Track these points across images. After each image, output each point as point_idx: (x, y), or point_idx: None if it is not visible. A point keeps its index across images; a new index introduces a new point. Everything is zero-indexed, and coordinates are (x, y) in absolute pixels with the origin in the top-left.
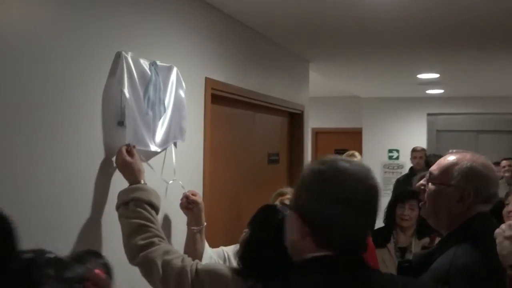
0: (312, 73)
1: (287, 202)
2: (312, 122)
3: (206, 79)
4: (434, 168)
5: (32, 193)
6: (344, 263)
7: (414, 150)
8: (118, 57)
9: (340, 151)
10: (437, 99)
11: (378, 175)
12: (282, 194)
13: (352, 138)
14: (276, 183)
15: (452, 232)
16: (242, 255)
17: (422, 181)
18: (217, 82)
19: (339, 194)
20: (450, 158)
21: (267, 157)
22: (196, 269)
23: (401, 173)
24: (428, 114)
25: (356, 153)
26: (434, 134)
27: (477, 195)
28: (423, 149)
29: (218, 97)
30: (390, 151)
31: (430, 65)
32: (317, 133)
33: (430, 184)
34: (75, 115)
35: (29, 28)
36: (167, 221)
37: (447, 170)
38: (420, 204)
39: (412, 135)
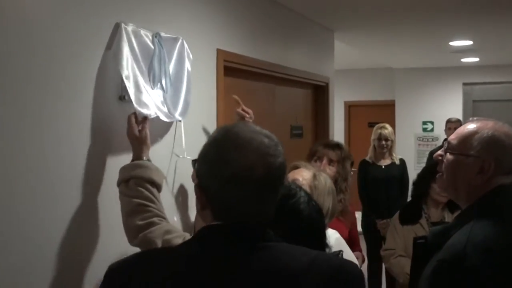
0: (340, 44)
1: (299, 178)
2: (345, 96)
3: (218, 50)
4: (453, 137)
5: (22, 168)
6: (231, 234)
7: (448, 121)
8: (117, 28)
9: (373, 124)
10: (473, 67)
11: (412, 147)
12: (295, 167)
13: (385, 111)
14: (301, 158)
15: (471, 206)
16: None
17: (440, 151)
18: (230, 54)
19: (231, 171)
20: (470, 126)
21: (289, 131)
22: None
23: (435, 145)
24: (464, 84)
25: (387, 125)
26: (470, 104)
27: (498, 167)
28: (458, 120)
29: (232, 70)
30: (424, 123)
31: (463, 32)
32: (350, 106)
33: (448, 154)
34: (69, 90)
35: None
36: (177, 196)
37: (466, 139)
38: (437, 175)
39: (447, 106)
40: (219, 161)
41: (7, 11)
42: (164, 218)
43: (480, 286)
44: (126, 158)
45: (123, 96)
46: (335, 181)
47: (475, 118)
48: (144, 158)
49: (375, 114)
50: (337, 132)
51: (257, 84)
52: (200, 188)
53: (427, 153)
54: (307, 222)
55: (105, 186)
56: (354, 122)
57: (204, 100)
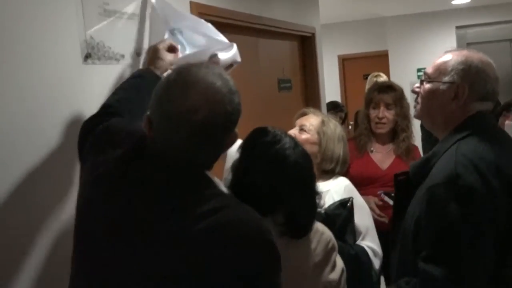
0: None
1: (306, 123)
2: (338, 50)
3: (191, 3)
4: (429, 67)
5: None
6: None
7: None
8: None
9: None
10: (465, 9)
11: (408, 95)
12: (303, 114)
13: (379, 61)
14: (292, 111)
15: (451, 132)
16: (232, 180)
17: (417, 84)
18: (205, 6)
19: (171, 109)
20: (445, 55)
21: (277, 85)
22: None
23: None
24: (457, 27)
25: (381, 74)
26: (465, 48)
27: (472, 91)
28: None
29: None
30: (419, 70)
31: None
32: (343, 60)
33: (424, 83)
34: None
35: None
36: None
37: (441, 66)
38: (413, 106)
39: (442, 52)
40: (164, 97)
41: None
42: None
43: (477, 203)
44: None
45: (88, 54)
46: (396, 123)
47: (450, 49)
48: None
49: (369, 65)
50: (333, 85)
51: (237, 38)
52: (147, 119)
53: None
54: (294, 168)
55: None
56: (349, 75)
57: None
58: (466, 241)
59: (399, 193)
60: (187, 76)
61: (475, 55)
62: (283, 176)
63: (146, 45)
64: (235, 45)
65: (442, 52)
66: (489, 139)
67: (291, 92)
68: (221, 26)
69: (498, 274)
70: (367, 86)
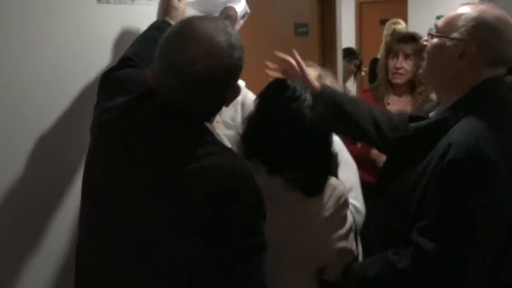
0: None
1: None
2: None
3: None
4: (440, 20)
5: None
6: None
7: None
8: None
9: (385, 21)
10: None
11: None
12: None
13: (398, 7)
14: (308, 57)
15: (461, 99)
16: (245, 134)
17: (425, 37)
18: None
19: (172, 60)
20: (460, 8)
21: (293, 29)
22: None
23: None
24: None
25: (400, 20)
26: None
27: (480, 51)
28: None
29: None
30: (438, 17)
31: None
32: (361, 3)
33: (432, 37)
34: None
35: None
36: None
37: (452, 21)
38: (421, 62)
39: None
40: (165, 49)
41: None
42: None
43: (499, 180)
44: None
45: None
46: (414, 75)
47: (467, 1)
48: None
49: (387, 10)
50: (348, 30)
51: None
52: (152, 69)
53: None
54: (310, 127)
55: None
56: (366, 19)
57: None
58: (480, 221)
59: (395, 154)
60: (189, 29)
61: (492, 11)
62: (298, 135)
63: None
64: None
65: None
66: (500, 116)
67: (308, 37)
68: None
69: (506, 250)
70: (385, 33)
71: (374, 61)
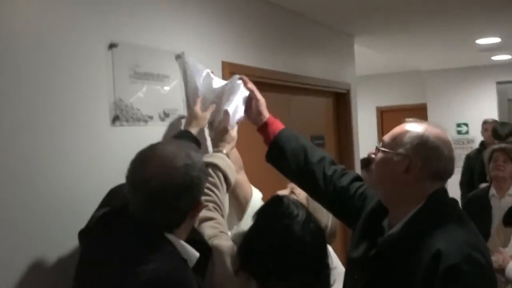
0: (365, 49)
1: (297, 189)
2: (377, 101)
3: (223, 63)
4: (386, 135)
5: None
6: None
7: (485, 123)
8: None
9: None
10: (506, 65)
11: None
12: None
13: (418, 114)
14: None
15: (416, 216)
16: (240, 246)
17: (373, 150)
18: (236, 65)
19: (132, 178)
20: (405, 126)
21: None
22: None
23: (471, 148)
24: (498, 83)
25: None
26: (506, 103)
27: (426, 167)
28: (495, 121)
29: None
30: (459, 125)
31: (489, 29)
32: (382, 111)
33: (379, 151)
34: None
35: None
36: None
37: (397, 137)
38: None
39: (482, 107)
40: (130, 168)
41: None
42: (221, 209)
43: (490, 281)
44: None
45: (116, 116)
46: None
47: (411, 119)
48: (225, 151)
49: (408, 117)
50: (371, 138)
51: (269, 95)
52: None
53: (463, 156)
54: (298, 246)
55: None
56: (387, 127)
57: None
58: None
59: (368, 271)
60: (150, 151)
61: (433, 131)
62: (285, 252)
63: (175, 106)
64: (236, 80)
65: (483, 107)
66: (463, 221)
67: (324, 149)
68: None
69: None
70: None
71: None
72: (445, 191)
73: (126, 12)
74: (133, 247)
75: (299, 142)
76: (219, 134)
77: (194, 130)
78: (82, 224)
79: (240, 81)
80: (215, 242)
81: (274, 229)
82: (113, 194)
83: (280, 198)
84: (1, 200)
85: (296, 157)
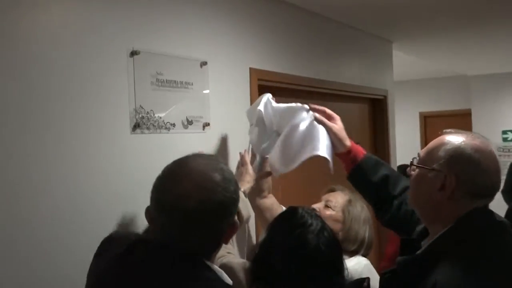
0: (402, 54)
1: (333, 200)
2: (420, 106)
3: (251, 70)
4: (423, 149)
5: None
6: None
7: None
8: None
9: None
10: None
11: None
12: (331, 190)
13: (462, 120)
14: None
15: (439, 238)
16: (254, 257)
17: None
18: (264, 72)
19: (165, 198)
20: (442, 138)
21: None
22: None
23: None
24: None
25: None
26: None
27: (461, 183)
28: None
29: (269, 89)
30: (504, 132)
31: None
32: (425, 117)
33: (414, 167)
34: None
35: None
36: None
37: (432, 151)
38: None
39: None
40: (159, 187)
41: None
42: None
43: None
44: (139, 193)
45: (137, 124)
46: None
47: (449, 130)
48: (242, 189)
49: (452, 124)
50: (414, 143)
51: (300, 102)
52: (147, 211)
53: (508, 164)
54: (313, 254)
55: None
56: (431, 132)
57: (239, 123)
58: None
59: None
60: (180, 168)
61: (471, 142)
62: (301, 261)
63: (199, 113)
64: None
65: None
66: (486, 251)
67: None
68: (281, 91)
69: None
70: None
71: None
72: (482, 213)
73: (148, 20)
74: (171, 279)
75: (383, 171)
76: (249, 175)
77: (243, 188)
78: (102, 233)
79: (306, 113)
80: (224, 261)
81: (288, 238)
82: (110, 242)
83: (294, 209)
84: (20, 211)
85: (378, 186)
